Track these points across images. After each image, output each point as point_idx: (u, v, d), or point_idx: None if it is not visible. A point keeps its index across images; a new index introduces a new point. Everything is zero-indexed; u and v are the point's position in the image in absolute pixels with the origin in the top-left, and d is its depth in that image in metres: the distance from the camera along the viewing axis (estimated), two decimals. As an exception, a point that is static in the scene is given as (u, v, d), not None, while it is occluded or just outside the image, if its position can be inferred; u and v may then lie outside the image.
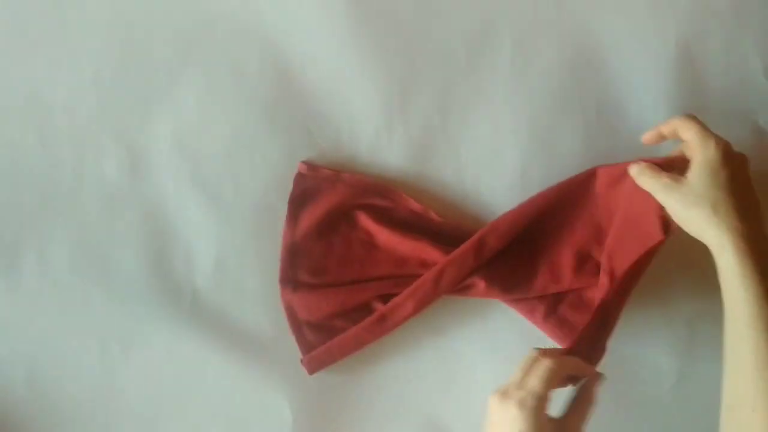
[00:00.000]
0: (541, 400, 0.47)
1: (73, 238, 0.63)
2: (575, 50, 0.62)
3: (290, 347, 0.61)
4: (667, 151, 0.58)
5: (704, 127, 0.52)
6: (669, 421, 0.63)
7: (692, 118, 0.53)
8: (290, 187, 0.62)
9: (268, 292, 0.61)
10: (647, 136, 0.55)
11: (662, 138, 0.55)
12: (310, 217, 0.61)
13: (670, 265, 0.62)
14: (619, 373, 0.62)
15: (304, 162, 0.61)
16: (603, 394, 0.62)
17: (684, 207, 0.51)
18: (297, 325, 0.60)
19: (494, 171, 0.63)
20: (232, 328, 0.61)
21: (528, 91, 0.62)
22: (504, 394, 0.48)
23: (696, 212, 0.50)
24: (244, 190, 0.63)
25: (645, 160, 0.54)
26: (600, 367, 0.62)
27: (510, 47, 0.62)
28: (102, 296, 0.62)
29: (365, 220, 0.61)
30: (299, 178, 0.61)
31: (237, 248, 0.62)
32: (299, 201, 0.61)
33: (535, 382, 0.48)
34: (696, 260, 0.62)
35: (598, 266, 0.59)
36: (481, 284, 0.59)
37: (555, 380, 0.48)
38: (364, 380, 0.62)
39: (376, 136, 0.63)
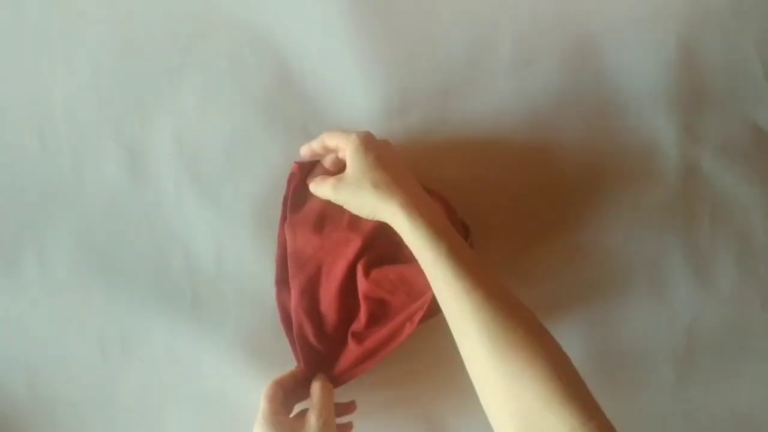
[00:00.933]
0: (267, 415, 0.54)
1: (73, 238, 0.63)
2: (575, 50, 0.62)
3: (290, 347, 0.61)
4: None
5: (344, 130, 0.56)
6: (669, 420, 0.63)
7: (333, 128, 0.58)
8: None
9: (267, 291, 0.61)
10: (303, 150, 0.59)
11: (315, 153, 0.59)
12: (304, 216, 0.60)
13: (670, 265, 0.62)
14: (619, 374, 0.62)
15: (297, 162, 0.61)
16: (603, 394, 0.62)
17: (352, 195, 0.55)
18: (289, 325, 0.60)
19: (495, 171, 0.63)
20: (231, 328, 0.61)
21: (527, 91, 0.62)
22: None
23: (362, 194, 0.54)
24: (244, 190, 0.63)
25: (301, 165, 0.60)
26: (600, 367, 0.62)
27: (509, 47, 0.62)
28: (102, 296, 0.62)
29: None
30: (292, 177, 0.61)
31: (236, 248, 0.62)
32: (293, 200, 0.61)
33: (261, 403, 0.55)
34: (696, 260, 0.62)
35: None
36: None
37: (276, 395, 0.55)
38: (363, 380, 0.62)
39: (376, 136, 0.63)
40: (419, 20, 0.62)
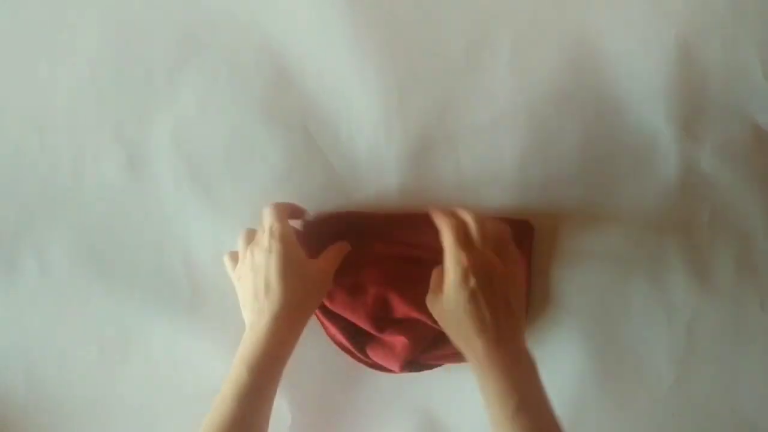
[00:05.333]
0: (286, 235, 0.54)
1: (72, 237, 0.63)
2: (575, 50, 0.62)
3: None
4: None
5: (457, 239, 0.53)
6: (669, 421, 0.63)
7: (451, 226, 0.54)
8: (289, 186, 0.62)
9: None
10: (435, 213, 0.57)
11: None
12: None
13: (670, 265, 0.62)
14: (619, 373, 0.62)
15: (305, 221, 0.62)
16: (603, 394, 0.62)
17: (442, 323, 0.54)
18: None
19: (493, 171, 0.63)
20: (231, 328, 0.61)
21: (528, 91, 0.62)
22: (249, 247, 0.56)
23: (448, 331, 0.54)
24: (243, 189, 0.63)
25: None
26: (600, 367, 0.62)
27: (510, 47, 0.62)
28: (101, 296, 0.63)
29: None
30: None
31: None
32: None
33: (270, 221, 0.55)
34: (696, 260, 0.62)
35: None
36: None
37: (284, 212, 0.57)
38: (363, 380, 0.63)
39: (375, 136, 0.63)
40: (419, 20, 0.62)
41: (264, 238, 0.55)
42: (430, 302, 0.54)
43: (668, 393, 0.62)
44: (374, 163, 0.63)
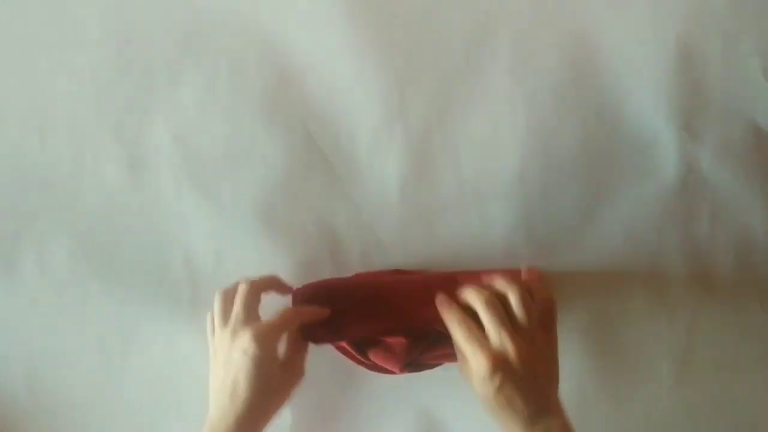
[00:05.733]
0: (262, 336, 0.53)
1: (72, 237, 0.63)
2: (575, 50, 0.62)
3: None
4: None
5: (471, 337, 0.52)
6: (669, 421, 0.63)
7: (460, 321, 0.53)
8: (288, 186, 0.62)
9: (267, 292, 0.61)
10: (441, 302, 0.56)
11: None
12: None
13: (669, 265, 0.62)
14: (618, 373, 0.62)
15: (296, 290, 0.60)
16: (603, 393, 0.62)
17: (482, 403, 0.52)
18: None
19: (494, 171, 0.63)
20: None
21: (528, 91, 0.62)
22: (227, 330, 0.55)
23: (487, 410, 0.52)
24: (244, 190, 0.63)
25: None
26: (600, 367, 0.62)
27: (510, 47, 0.62)
28: (101, 296, 0.63)
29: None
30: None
31: (236, 248, 0.62)
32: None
33: (245, 312, 0.55)
34: (696, 260, 0.62)
35: None
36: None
37: (258, 294, 0.56)
38: (363, 380, 0.62)
39: (375, 136, 0.63)
40: (419, 20, 0.62)
41: (242, 336, 0.53)
42: (463, 373, 0.54)
43: (668, 393, 0.62)
44: (375, 162, 0.63)
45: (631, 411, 0.62)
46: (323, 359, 0.62)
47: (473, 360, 0.51)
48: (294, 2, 0.62)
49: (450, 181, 0.63)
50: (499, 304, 0.53)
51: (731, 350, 0.62)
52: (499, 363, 0.50)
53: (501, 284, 0.54)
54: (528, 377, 0.51)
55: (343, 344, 0.60)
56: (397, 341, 0.58)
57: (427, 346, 0.59)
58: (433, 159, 0.63)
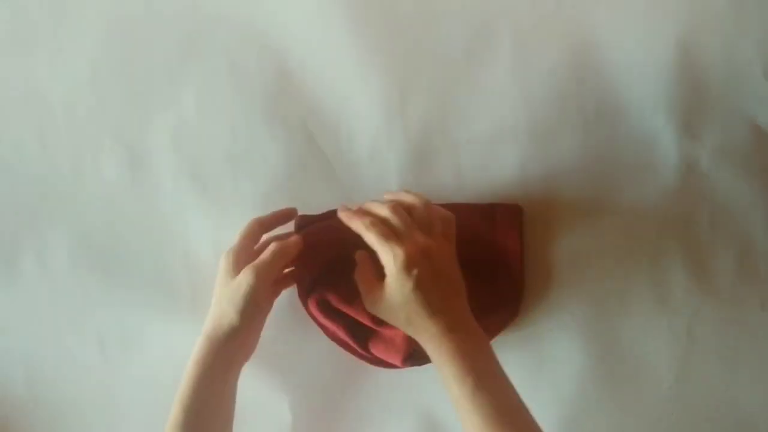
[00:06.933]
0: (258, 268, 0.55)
1: (72, 237, 0.63)
2: (575, 50, 0.62)
3: (290, 347, 0.61)
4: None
5: (381, 234, 0.52)
6: (669, 421, 0.62)
7: (369, 225, 0.53)
8: (288, 186, 0.62)
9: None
10: (342, 214, 0.56)
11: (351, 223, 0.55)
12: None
13: (669, 265, 0.62)
14: (619, 373, 0.62)
15: (300, 216, 0.61)
16: (603, 394, 0.62)
17: (390, 319, 0.54)
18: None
19: (494, 171, 0.63)
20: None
21: (527, 91, 0.62)
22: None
23: (398, 325, 0.53)
24: (243, 189, 0.63)
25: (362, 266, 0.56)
26: (600, 367, 0.62)
27: (510, 47, 0.62)
28: (101, 295, 0.63)
29: None
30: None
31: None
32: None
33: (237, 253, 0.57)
34: (696, 260, 0.62)
35: None
36: None
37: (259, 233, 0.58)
38: (364, 379, 0.62)
39: (376, 136, 0.63)
40: (419, 20, 0.62)
41: (244, 271, 0.55)
42: (370, 304, 0.54)
43: (668, 393, 0.62)
44: (375, 162, 0.63)
45: (631, 411, 0.62)
46: (324, 358, 0.62)
47: (389, 255, 0.51)
48: (294, 2, 0.62)
49: (450, 181, 0.63)
50: (404, 212, 0.54)
51: (731, 350, 0.62)
52: (413, 253, 0.51)
53: (406, 197, 0.55)
54: (443, 273, 0.52)
55: (344, 337, 0.60)
56: (397, 333, 0.58)
57: None
58: (433, 159, 0.63)
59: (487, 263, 0.61)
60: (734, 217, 0.62)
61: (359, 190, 0.63)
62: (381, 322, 0.58)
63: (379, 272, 0.53)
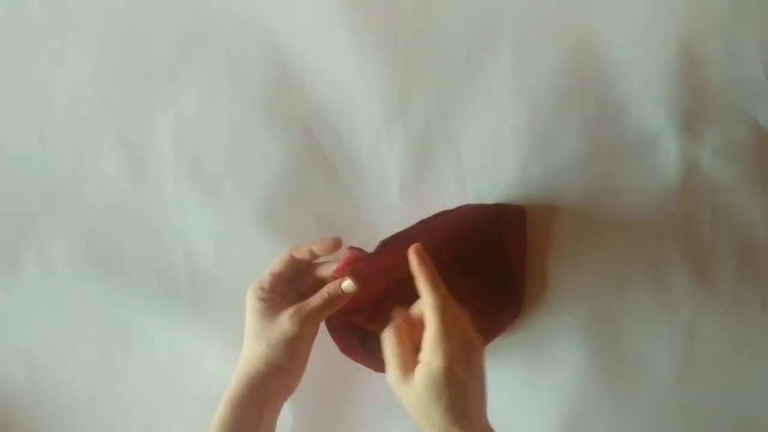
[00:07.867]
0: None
1: (73, 237, 0.63)
2: (575, 50, 0.62)
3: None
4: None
5: (444, 326, 0.49)
6: (669, 421, 0.63)
7: (442, 309, 0.49)
8: (289, 186, 0.62)
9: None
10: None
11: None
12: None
13: (670, 265, 0.62)
14: (619, 373, 0.62)
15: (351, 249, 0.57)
16: (603, 394, 0.62)
17: (407, 404, 0.51)
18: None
19: (494, 171, 0.63)
20: (231, 328, 0.61)
21: (528, 91, 0.62)
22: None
23: (412, 411, 0.51)
24: (244, 189, 0.63)
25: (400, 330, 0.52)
26: (600, 367, 0.62)
27: (510, 47, 0.62)
28: (101, 295, 0.63)
29: None
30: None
31: (236, 248, 0.62)
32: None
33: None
34: (696, 260, 0.62)
35: None
36: None
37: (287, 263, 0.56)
38: (363, 380, 0.63)
39: (376, 135, 0.63)
40: (419, 20, 0.62)
41: (291, 316, 0.53)
42: (394, 380, 0.51)
43: (668, 393, 0.62)
44: (375, 162, 0.63)
45: (632, 411, 0.62)
46: (325, 359, 0.62)
47: (442, 344, 0.48)
48: (294, 2, 0.62)
49: (450, 180, 0.63)
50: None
51: (731, 350, 0.62)
52: (461, 355, 0.49)
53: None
54: (471, 387, 0.50)
55: (352, 345, 0.59)
56: None
57: None
58: (433, 159, 0.63)
59: (490, 264, 0.61)
60: (735, 217, 0.62)
61: (359, 189, 0.63)
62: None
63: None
